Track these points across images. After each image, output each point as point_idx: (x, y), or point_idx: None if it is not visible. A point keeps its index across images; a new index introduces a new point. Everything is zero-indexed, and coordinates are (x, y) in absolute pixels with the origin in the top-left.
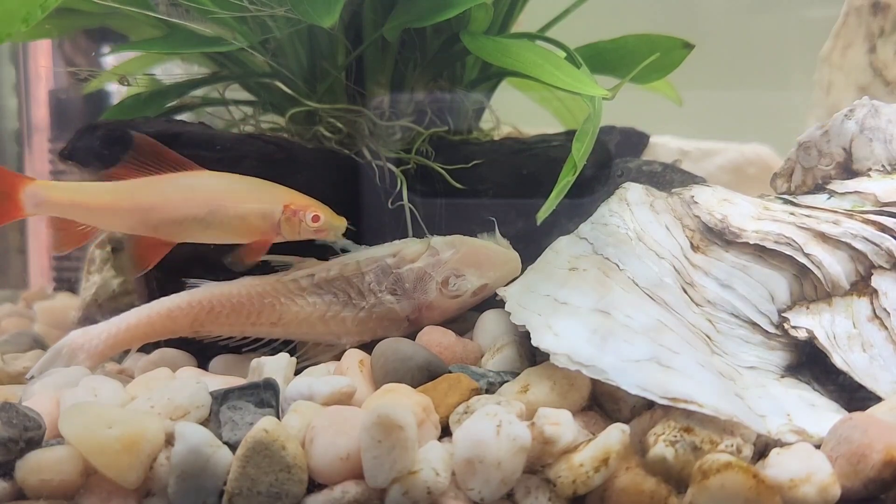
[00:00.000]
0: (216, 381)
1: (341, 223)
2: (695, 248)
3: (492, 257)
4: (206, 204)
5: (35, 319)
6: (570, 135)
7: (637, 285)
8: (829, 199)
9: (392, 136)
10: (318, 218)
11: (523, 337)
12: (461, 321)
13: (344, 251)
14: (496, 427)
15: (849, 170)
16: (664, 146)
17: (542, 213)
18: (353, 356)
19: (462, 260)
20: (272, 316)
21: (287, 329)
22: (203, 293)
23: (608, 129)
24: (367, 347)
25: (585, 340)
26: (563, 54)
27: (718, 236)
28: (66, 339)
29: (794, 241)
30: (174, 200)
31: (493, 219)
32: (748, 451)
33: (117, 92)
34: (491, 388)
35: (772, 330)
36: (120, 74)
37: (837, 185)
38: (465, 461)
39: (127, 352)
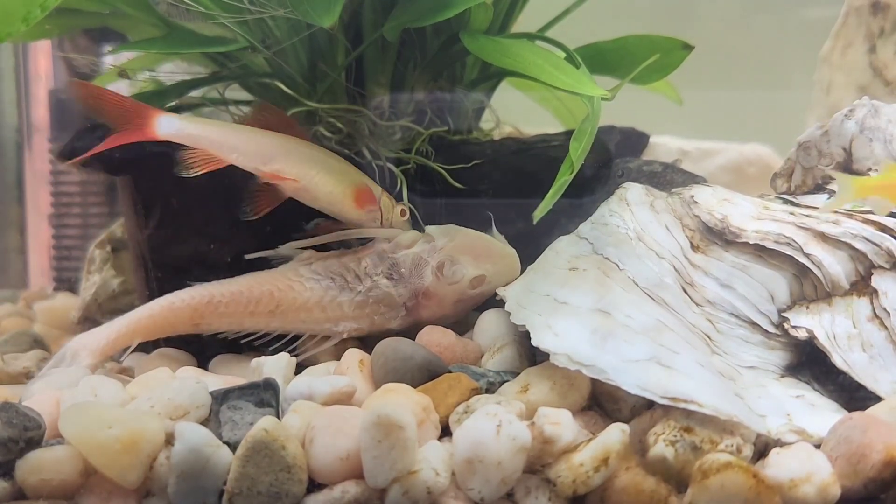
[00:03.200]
0: (216, 380)
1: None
2: (695, 247)
3: (487, 248)
4: (320, 162)
5: (35, 319)
6: (569, 135)
7: (637, 285)
8: (829, 198)
9: (392, 136)
10: (404, 212)
11: (523, 337)
12: (461, 322)
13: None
14: (496, 427)
15: (849, 170)
16: (664, 146)
17: (539, 212)
18: (353, 356)
19: (457, 247)
20: (270, 303)
21: (285, 317)
22: (202, 286)
23: (608, 129)
24: (367, 347)
25: (585, 340)
26: (563, 54)
27: (718, 236)
28: (70, 344)
29: (794, 240)
30: (296, 150)
31: (490, 214)
32: (748, 450)
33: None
34: (491, 388)
35: (772, 330)
36: (120, 68)
37: (837, 186)
38: (465, 461)
39: (126, 350)
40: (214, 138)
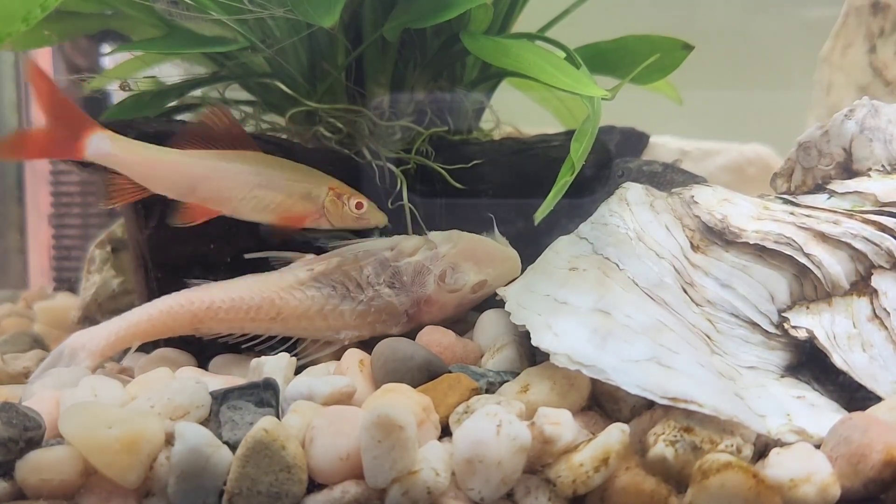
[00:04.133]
0: (216, 380)
1: (382, 217)
2: (695, 247)
3: (490, 253)
4: (253, 183)
5: (35, 319)
6: (570, 135)
7: (637, 285)
8: (829, 199)
9: (392, 136)
10: (360, 205)
11: (523, 337)
12: (461, 321)
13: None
14: (496, 427)
15: (849, 170)
16: (664, 146)
17: (541, 213)
18: (353, 356)
19: (460, 254)
20: (271, 311)
21: (286, 324)
22: (202, 290)
23: (608, 129)
24: (368, 347)
25: (585, 340)
26: (563, 54)
27: (718, 236)
28: (67, 342)
29: (794, 241)
30: (223, 176)
31: (492, 216)
32: (748, 450)
33: (117, 92)
34: (491, 388)
35: (772, 330)
36: (121, 80)
37: (837, 185)
38: (465, 461)
39: (127, 351)
40: (140, 165)
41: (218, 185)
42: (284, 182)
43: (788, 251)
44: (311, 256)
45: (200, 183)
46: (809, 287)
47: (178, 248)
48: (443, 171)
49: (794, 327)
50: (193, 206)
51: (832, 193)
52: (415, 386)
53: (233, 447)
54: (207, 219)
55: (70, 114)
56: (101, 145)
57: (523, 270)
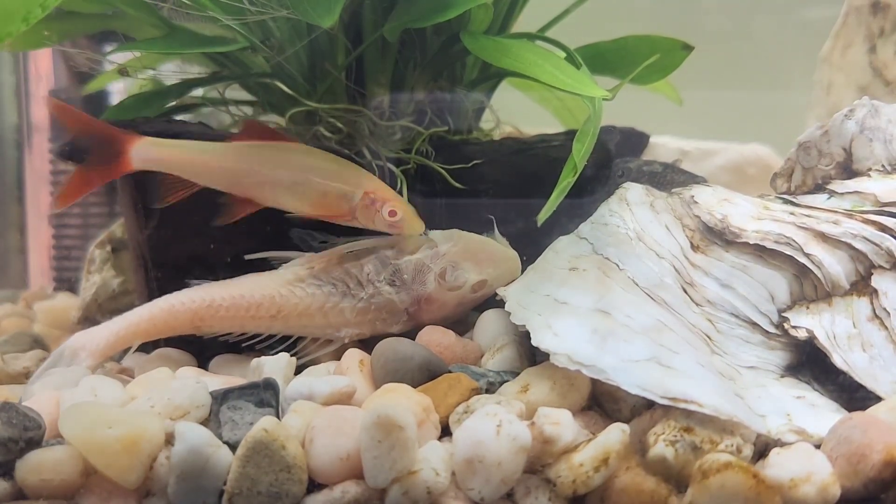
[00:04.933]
0: (216, 380)
1: (419, 225)
2: (695, 247)
3: (490, 252)
4: (293, 174)
5: (35, 319)
6: (570, 135)
7: (637, 285)
8: (829, 198)
9: (392, 136)
10: (394, 213)
11: (523, 337)
12: (461, 321)
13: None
14: (496, 427)
15: (849, 170)
16: (664, 146)
17: (543, 214)
18: (353, 356)
19: (460, 253)
20: (272, 308)
21: (287, 322)
22: (202, 289)
23: (608, 130)
24: (368, 347)
25: (585, 340)
26: (563, 54)
27: (718, 236)
28: (68, 342)
29: (794, 241)
30: (265, 166)
31: (492, 217)
32: (748, 450)
33: (118, 92)
34: (491, 388)
35: (772, 330)
36: (120, 66)
37: (837, 185)
38: (465, 461)
39: (127, 350)
40: (187, 163)
41: (261, 176)
42: (323, 178)
43: (788, 251)
44: (311, 254)
45: (245, 173)
46: (809, 287)
47: (178, 248)
48: (443, 171)
49: (794, 327)
50: (236, 203)
51: (832, 193)
52: (415, 386)
53: (233, 447)
54: (248, 213)
55: (106, 133)
56: (147, 153)
57: (523, 270)
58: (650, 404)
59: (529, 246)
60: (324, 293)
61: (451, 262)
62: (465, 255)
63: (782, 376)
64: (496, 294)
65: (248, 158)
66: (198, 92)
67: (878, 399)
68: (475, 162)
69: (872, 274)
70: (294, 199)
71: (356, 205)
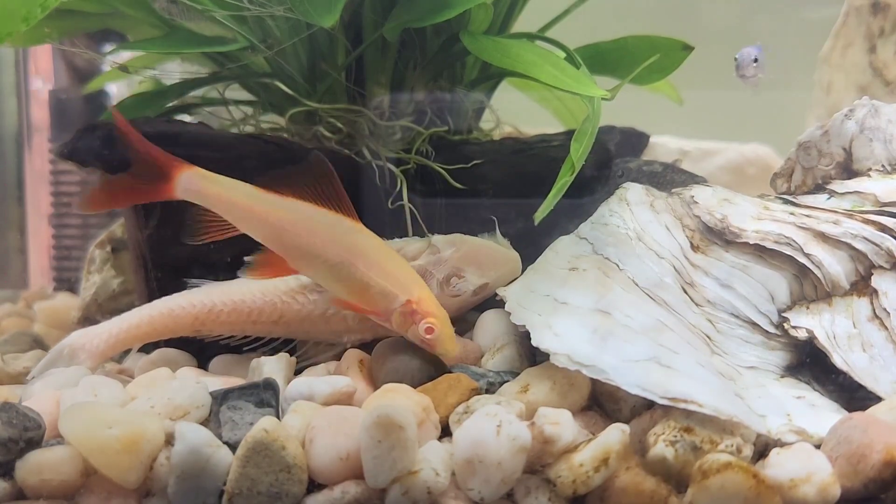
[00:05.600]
0: (216, 381)
1: (452, 349)
2: (695, 247)
3: (492, 256)
4: (342, 254)
5: (35, 319)
6: (569, 135)
7: (637, 285)
8: (829, 199)
9: (392, 136)
10: (431, 330)
11: (523, 337)
12: (461, 321)
13: None
14: (496, 427)
15: (849, 170)
16: (664, 146)
17: (540, 213)
18: (353, 356)
19: (463, 258)
20: (273, 314)
21: (288, 327)
22: (204, 293)
23: (608, 129)
24: (368, 347)
25: (585, 340)
26: (563, 54)
27: (718, 236)
28: (68, 340)
29: (794, 241)
30: (315, 234)
31: (494, 218)
32: (748, 451)
33: (117, 92)
34: (491, 388)
35: (772, 330)
36: (121, 64)
37: (837, 185)
38: (465, 461)
39: (127, 352)
40: (232, 205)
41: (308, 244)
42: (372, 271)
43: (788, 251)
44: None
45: (289, 234)
46: (809, 287)
47: (178, 248)
48: (443, 171)
49: (794, 327)
50: (267, 262)
51: (832, 193)
52: (415, 386)
53: (233, 447)
54: (276, 276)
55: (156, 155)
56: (192, 184)
57: (523, 270)
58: (650, 404)
59: (529, 246)
60: (326, 300)
61: (454, 269)
62: (468, 260)
63: (782, 376)
64: (496, 294)
65: (299, 221)
66: (198, 92)
67: (878, 399)
68: (475, 162)
69: (872, 274)
70: (333, 280)
71: (395, 308)
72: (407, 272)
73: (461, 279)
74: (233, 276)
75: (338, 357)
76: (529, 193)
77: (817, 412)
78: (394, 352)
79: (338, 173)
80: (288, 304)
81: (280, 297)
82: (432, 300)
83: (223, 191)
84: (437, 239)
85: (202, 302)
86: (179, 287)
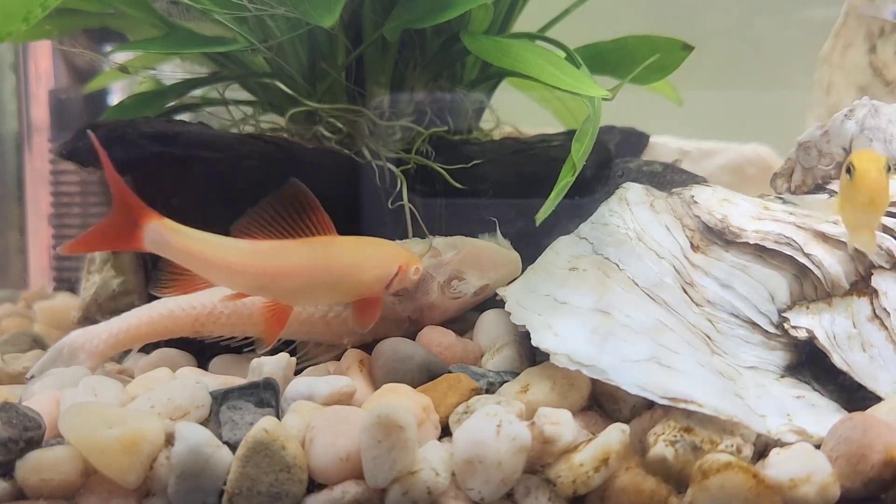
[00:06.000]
0: (216, 381)
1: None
2: (695, 247)
3: (493, 258)
4: (326, 272)
5: (35, 319)
6: (570, 135)
7: (637, 285)
8: (829, 199)
9: (392, 136)
10: (418, 270)
11: (523, 337)
12: (461, 321)
13: None
14: (496, 427)
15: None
16: (664, 146)
17: (542, 214)
18: (353, 356)
19: (463, 261)
20: None
21: (289, 329)
22: (204, 294)
23: (608, 129)
24: (368, 347)
25: (585, 340)
26: (563, 54)
27: (718, 236)
28: (67, 339)
29: (794, 241)
30: (300, 268)
31: (495, 219)
32: (748, 451)
33: (117, 92)
34: (491, 388)
35: (772, 330)
36: (120, 65)
37: (837, 185)
38: (465, 461)
39: (127, 352)
40: (202, 259)
41: (291, 282)
42: (358, 269)
43: (788, 251)
44: None
45: (271, 281)
46: (809, 287)
47: None
48: (443, 171)
49: (794, 327)
50: (270, 315)
51: (832, 193)
52: (415, 386)
53: (233, 447)
54: (286, 321)
55: (129, 201)
56: (158, 235)
57: (523, 270)
58: (650, 404)
59: (529, 246)
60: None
61: (455, 272)
62: (468, 262)
63: (782, 376)
64: (496, 294)
65: (276, 261)
66: (198, 92)
67: (878, 399)
68: (475, 162)
69: (872, 274)
70: (334, 295)
71: (392, 280)
72: (384, 248)
73: (462, 281)
74: None
75: (338, 357)
76: (529, 193)
77: (817, 412)
78: (394, 352)
79: (338, 174)
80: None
81: None
82: (403, 248)
83: (193, 244)
84: (438, 241)
85: (202, 304)
86: None
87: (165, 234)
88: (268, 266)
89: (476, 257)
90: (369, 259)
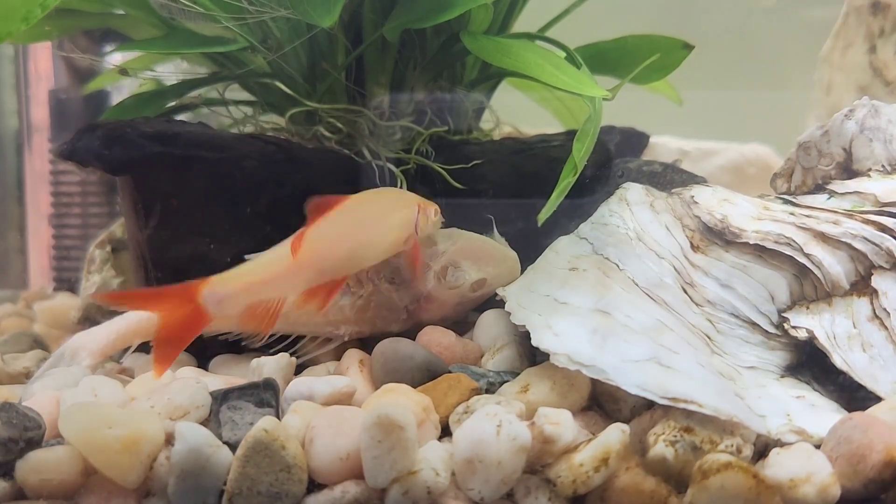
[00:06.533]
0: (216, 381)
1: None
2: (695, 248)
3: (489, 252)
4: (368, 227)
5: (35, 319)
6: (570, 135)
7: (637, 285)
8: (829, 199)
9: (392, 136)
10: (437, 211)
11: (523, 337)
12: (461, 321)
13: None
14: (496, 427)
15: (849, 170)
16: (664, 146)
17: (544, 214)
18: (353, 356)
19: (459, 252)
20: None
21: (286, 319)
22: None
23: (608, 129)
24: (367, 347)
25: (585, 340)
26: (563, 54)
27: (718, 236)
28: (69, 343)
29: (794, 241)
30: (343, 236)
31: (491, 217)
32: (748, 451)
33: (117, 92)
34: (491, 388)
35: (772, 330)
36: (120, 67)
37: (837, 186)
38: (465, 461)
39: (126, 350)
40: (261, 285)
41: (342, 252)
42: (389, 221)
43: (788, 251)
44: None
45: (325, 261)
46: (809, 287)
47: (178, 248)
48: (443, 171)
49: (794, 327)
50: (323, 291)
51: (832, 193)
52: (415, 386)
53: (233, 447)
54: (335, 293)
55: (168, 294)
56: (216, 293)
57: (523, 270)
58: (650, 404)
59: (529, 246)
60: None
61: (451, 261)
62: (465, 254)
63: (782, 376)
64: (496, 294)
65: (320, 242)
66: (198, 92)
67: (878, 399)
68: (475, 162)
69: (872, 274)
70: (378, 248)
71: (416, 222)
72: (398, 194)
73: (457, 269)
74: None
75: (337, 356)
76: (529, 193)
77: (817, 412)
78: (394, 352)
79: (338, 174)
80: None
81: None
82: (419, 197)
83: (246, 279)
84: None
85: None
86: None
87: (221, 290)
88: (316, 250)
89: (472, 250)
90: (392, 203)
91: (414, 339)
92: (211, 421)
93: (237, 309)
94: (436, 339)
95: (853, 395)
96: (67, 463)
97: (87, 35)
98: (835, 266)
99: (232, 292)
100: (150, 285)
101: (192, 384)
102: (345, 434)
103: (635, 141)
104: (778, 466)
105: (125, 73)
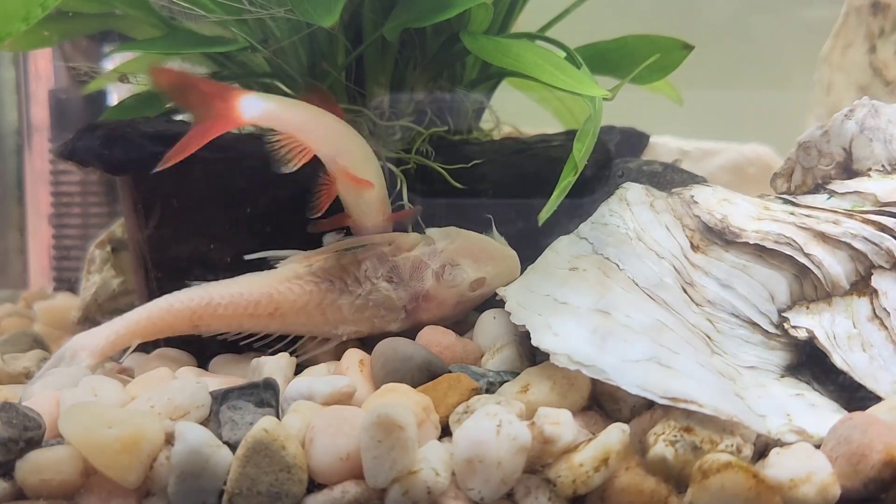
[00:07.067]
0: (216, 380)
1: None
2: (695, 247)
3: (488, 251)
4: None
5: (35, 319)
6: (570, 135)
7: (637, 285)
8: (829, 199)
9: (392, 136)
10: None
11: (523, 337)
12: (461, 321)
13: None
14: (496, 427)
15: (849, 170)
16: (664, 146)
17: (544, 214)
18: (353, 356)
19: (458, 250)
20: (269, 306)
21: (285, 319)
22: (201, 288)
23: (608, 129)
24: (367, 347)
25: (585, 340)
26: (563, 54)
27: (718, 236)
28: (69, 343)
29: (794, 241)
30: (353, 139)
31: (490, 216)
32: (748, 450)
33: (116, 91)
34: (491, 388)
35: (772, 330)
36: (120, 73)
37: (837, 185)
38: (465, 461)
39: (126, 350)
40: (300, 122)
41: (361, 156)
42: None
43: (788, 251)
44: (309, 252)
45: (347, 147)
46: (809, 287)
47: (178, 248)
48: (443, 171)
49: (794, 327)
50: (324, 186)
51: (832, 193)
52: (415, 386)
53: (233, 447)
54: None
55: (208, 91)
56: (255, 106)
57: (523, 270)
58: (650, 404)
59: (529, 246)
60: (321, 290)
61: (449, 260)
62: (463, 253)
63: (782, 376)
64: (496, 294)
65: (340, 130)
66: None
67: (878, 399)
68: (475, 162)
69: (872, 274)
70: (370, 172)
71: None
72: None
73: (456, 267)
74: (233, 277)
75: (337, 355)
76: (529, 193)
77: (817, 412)
78: (394, 352)
79: None
80: (284, 294)
81: (276, 288)
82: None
83: (286, 108)
84: (433, 231)
85: (199, 296)
86: (179, 287)
87: (261, 102)
88: (338, 130)
89: (470, 249)
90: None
91: (413, 339)
92: (211, 421)
93: (266, 123)
94: (436, 338)
95: (853, 395)
96: (67, 463)
97: (87, 36)
98: (835, 266)
99: (266, 113)
100: (150, 285)
101: (192, 384)
102: (345, 434)
103: (635, 141)
104: (778, 466)
105: (125, 80)
